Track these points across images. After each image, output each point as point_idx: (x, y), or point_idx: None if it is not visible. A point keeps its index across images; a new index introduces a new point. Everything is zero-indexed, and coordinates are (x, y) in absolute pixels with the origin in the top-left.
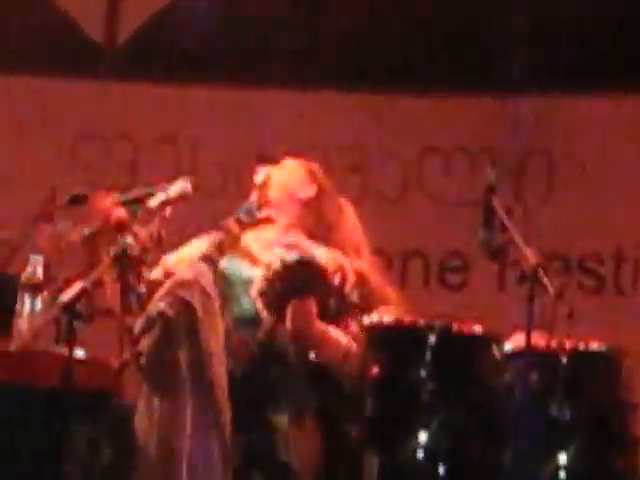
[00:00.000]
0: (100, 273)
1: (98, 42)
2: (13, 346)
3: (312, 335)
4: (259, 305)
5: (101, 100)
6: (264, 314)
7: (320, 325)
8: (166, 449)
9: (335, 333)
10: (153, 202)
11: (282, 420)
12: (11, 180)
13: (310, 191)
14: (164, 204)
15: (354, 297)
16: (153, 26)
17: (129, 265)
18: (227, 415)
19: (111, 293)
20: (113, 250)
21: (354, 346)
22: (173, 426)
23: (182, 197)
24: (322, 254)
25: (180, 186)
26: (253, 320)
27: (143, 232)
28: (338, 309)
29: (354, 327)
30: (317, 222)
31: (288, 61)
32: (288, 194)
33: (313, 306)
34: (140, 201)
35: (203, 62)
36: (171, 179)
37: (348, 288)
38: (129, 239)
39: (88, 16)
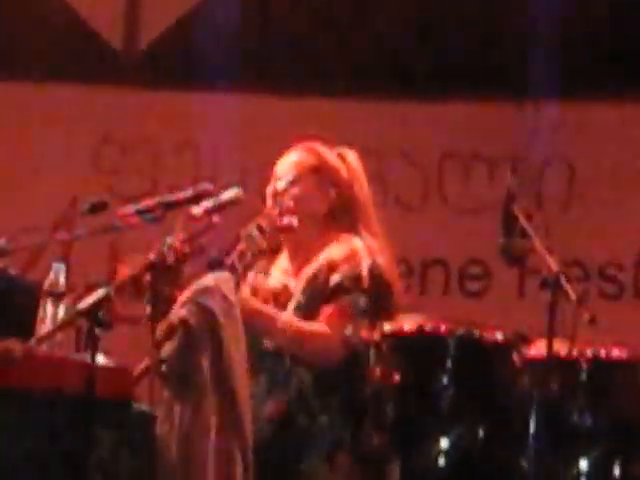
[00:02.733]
0: (127, 281)
1: (118, 49)
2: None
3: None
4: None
5: (121, 106)
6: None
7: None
8: (188, 454)
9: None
10: (197, 209)
11: (314, 467)
12: (32, 186)
13: (322, 207)
14: (210, 211)
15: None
16: (173, 33)
17: (163, 273)
18: (249, 420)
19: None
20: (149, 257)
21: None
22: (195, 431)
23: (231, 204)
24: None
25: (232, 193)
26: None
27: (179, 239)
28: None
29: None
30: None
31: (306, 67)
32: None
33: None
34: (155, 210)
35: (223, 68)
36: (191, 185)
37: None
38: (164, 246)
39: (107, 23)
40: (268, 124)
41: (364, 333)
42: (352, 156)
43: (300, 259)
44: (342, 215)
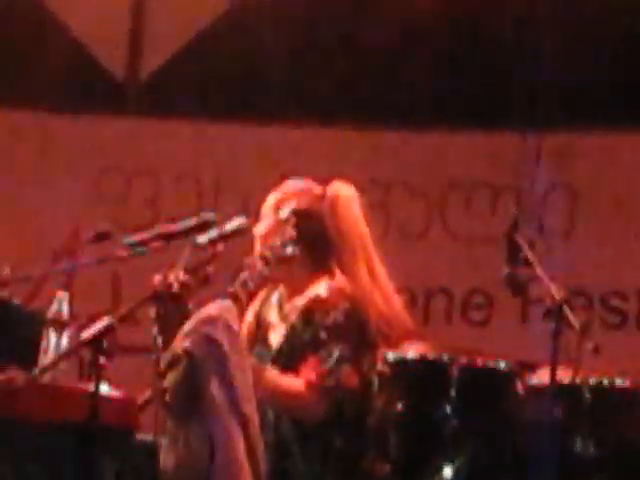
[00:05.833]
0: (130, 310)
1: (120, 79)
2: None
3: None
4: None
5: (123, 136)
6: None
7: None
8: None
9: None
10: (202, 239)
11: None
12: (34, 215)
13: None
14: (215, 241)
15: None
16: (174, 64)
17: (168, 303)
18: (261, 448)
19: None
20: (151, 288)
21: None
22: (216, 458)
23: (237, 234)
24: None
25: (237, 223)
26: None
27: (183, 270)
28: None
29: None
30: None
31: (308, 97)
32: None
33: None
34: (148, 243)
35: (224, 100)
36: (193, 214)
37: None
38: (170, 277)
39: (110, 54)
40: (269, 154)
41: (347, 380)
42: (344, 191)
43: (290, 295)
44: (318, 255)
